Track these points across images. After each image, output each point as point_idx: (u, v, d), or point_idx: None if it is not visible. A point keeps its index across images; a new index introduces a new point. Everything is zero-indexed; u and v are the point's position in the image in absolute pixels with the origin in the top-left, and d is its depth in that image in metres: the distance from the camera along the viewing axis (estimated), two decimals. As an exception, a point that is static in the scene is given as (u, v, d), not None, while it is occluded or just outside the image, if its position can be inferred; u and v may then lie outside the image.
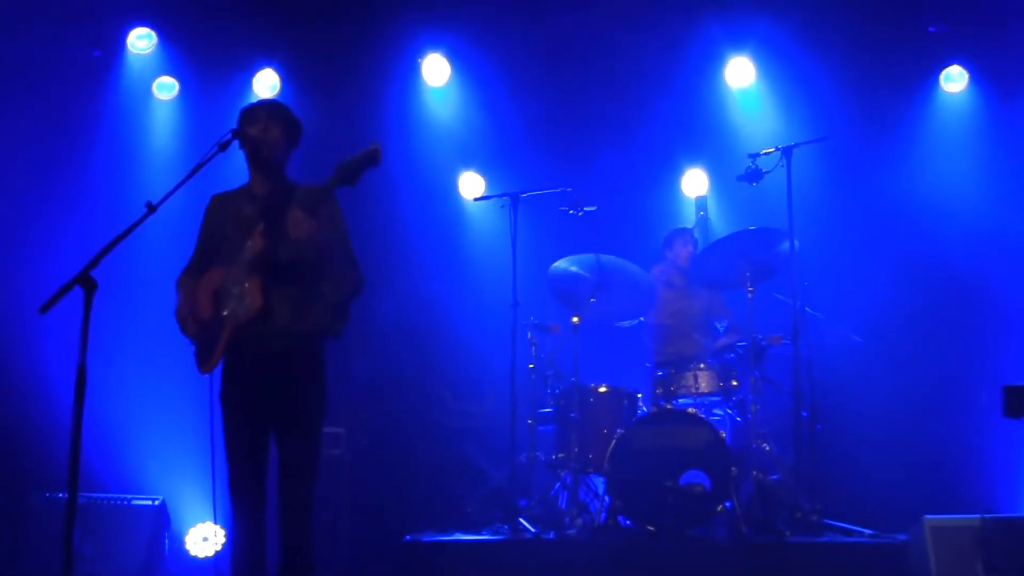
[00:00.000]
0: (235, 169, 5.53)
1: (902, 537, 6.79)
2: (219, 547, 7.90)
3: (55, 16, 8.67)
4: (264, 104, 5.60)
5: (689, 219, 9.31)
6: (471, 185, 9.39)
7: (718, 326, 8.34)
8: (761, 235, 7.52)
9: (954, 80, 9.16)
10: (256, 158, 5.39)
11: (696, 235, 8.79)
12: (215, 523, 7.72)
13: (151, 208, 4.66)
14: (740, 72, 9.24)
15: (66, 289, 4.38)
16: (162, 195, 4.73)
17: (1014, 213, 8.77)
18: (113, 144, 9.01)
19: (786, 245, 7.43)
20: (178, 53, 9.14)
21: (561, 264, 7.89)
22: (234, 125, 5.36)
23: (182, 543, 8.13)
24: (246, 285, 5.12)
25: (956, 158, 9.03)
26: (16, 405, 8.23)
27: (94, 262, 4.46)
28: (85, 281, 4.40)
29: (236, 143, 5.24)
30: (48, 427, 7.80)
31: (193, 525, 8.16)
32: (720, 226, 9.27)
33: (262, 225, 5.13)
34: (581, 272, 7.87)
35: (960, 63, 9.12)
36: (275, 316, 5.15)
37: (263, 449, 5.30)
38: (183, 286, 5.46)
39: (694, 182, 9.52)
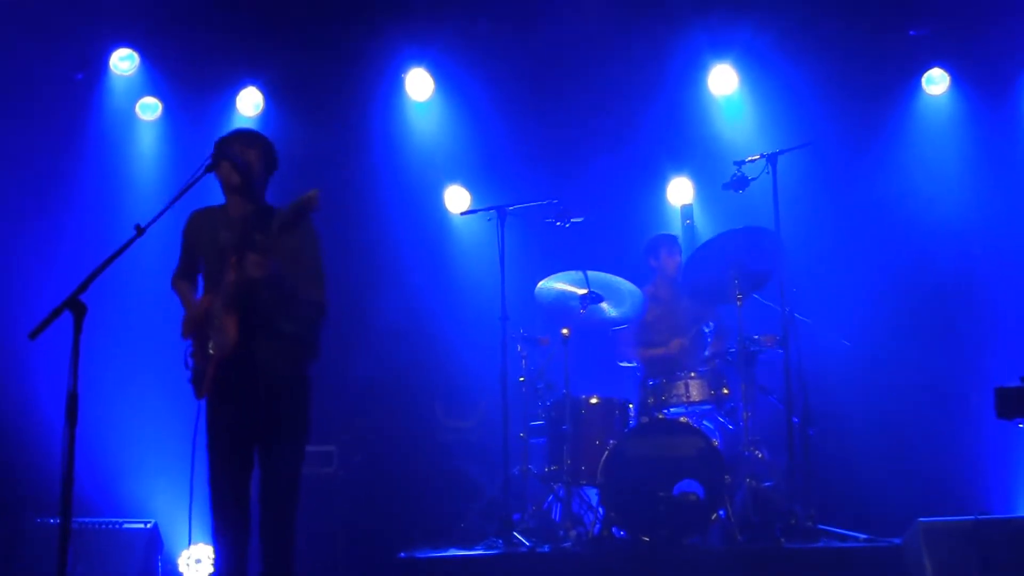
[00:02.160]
0: (218, 187, 5.54)
1: (897, 541, 6.77)
2: (211, 569, 7.86)
3: (38, 37, 8.61)
4: (239, 133, 5.65)
5: (675, 227, 9.30)
6: (457, 199, 9.39)
7: (705, 330, 8.32)
8: (748, 235, 7.52)
9: (936, 82, 9.20)
10: (233, 185, 5.42)
11: (681, 244, 8.77)
12: (198, 544, 7.79)
13: (140, 231, 4.66)
14: (723, 80, 9.26)
15: (56, 314, 4.37)
16: (147, 216, 4.72)
17: (999, 213, 8.81)
18: (98, 166, 8.98)
19: (774, 247, 7.42)
20: (160, 73, 9.12)
21: (548, 282, 7.88)
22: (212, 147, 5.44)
23: (175, 565, 8.10)
24: (224, 319, 5.19)
25: (940, 160, 9.08)
26: (6, 429, 8.18)
27: (83, 286, 4.45)
28: (74, 305, 4.39)
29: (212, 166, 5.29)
30: (40, 451, 7.73)
31: (185, 547, 8.11)
32: (707, 234, 9.25)
33: (235, 259, 5.14)
34: (568, 288, 7.87)
35: (941, 65, 9.15)
36: (251, 351, 5.23)
37: (247, 468, 5.40)
38: (180, 289, 5.63)
39: (679, 190, 9.53)
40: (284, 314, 5.30)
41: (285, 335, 5.33)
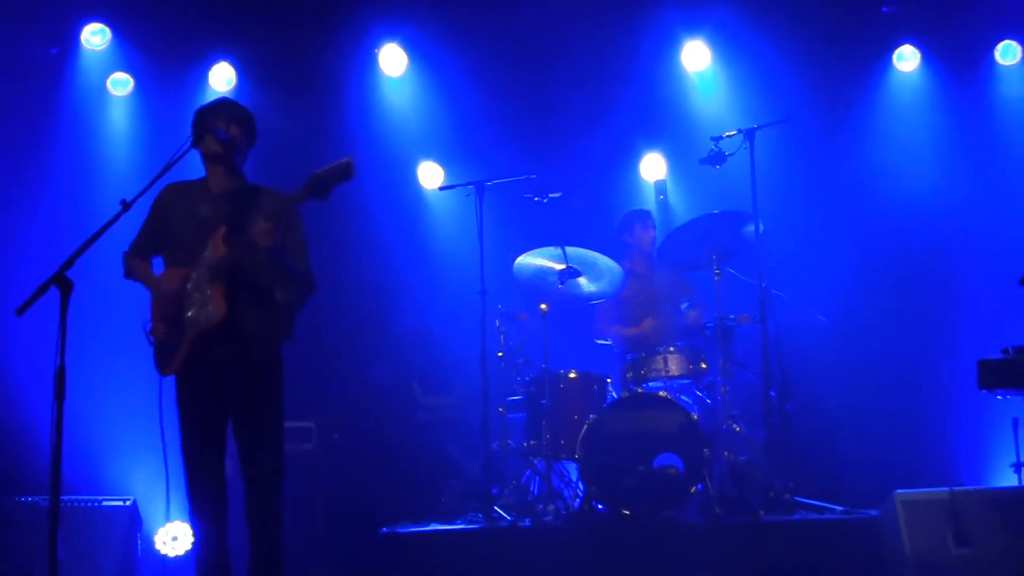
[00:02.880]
0: (198, 162, 5.48)
1: (874, 512, 6.85)
2: (189, 546, 7.83)
3: (7, 13, 8.50)
4: (223, 104, 5.55)
5: (650, 203, 9.33)
6: (430, 175, 9.36)
7: (682, 307, 8.36)
8: (725, 218, 7.56)
9: (906, 59, 9.23)
10: (218, 159, 5.35)
11: (655, 219, 8.81)
12: (175, 521, 7.77)
13: (126, 206, 4.64)
14: (695, 56, 9.26)
15: (42, 290, 4.35)
16: (120, 192, 4.77)
17: (969, 189, 8.90)
18: (71, 142, 8.89)
19: (750, 228, 7.48)
20: (132, 48, 9.00)
21: (526, 258, 7.88)
22: (190, 121, 5.40)
23: (151, 543, 8.06)
24: (208, 292, 5.11)
25: (911, 136, 9.15)
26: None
27: (69, 262, 4.43)
28: (61, 282, 4.37)
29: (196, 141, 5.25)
30: (18, 430, 7.68)
31: (162, 524, 8.08)
32: (680, 210, 9.31)
33: (224, 229, 5.09)
34: (546, 264, 7.88)
35: (912, 42, 9.19)
36: (238, 323, 5.18)
37: (220, 440, 5.35)
38: (135, 269, 5.47)
39: (652, 166, 9.54)
40: (278, 285, 5.24)
41: (275, 306, 5.27)
